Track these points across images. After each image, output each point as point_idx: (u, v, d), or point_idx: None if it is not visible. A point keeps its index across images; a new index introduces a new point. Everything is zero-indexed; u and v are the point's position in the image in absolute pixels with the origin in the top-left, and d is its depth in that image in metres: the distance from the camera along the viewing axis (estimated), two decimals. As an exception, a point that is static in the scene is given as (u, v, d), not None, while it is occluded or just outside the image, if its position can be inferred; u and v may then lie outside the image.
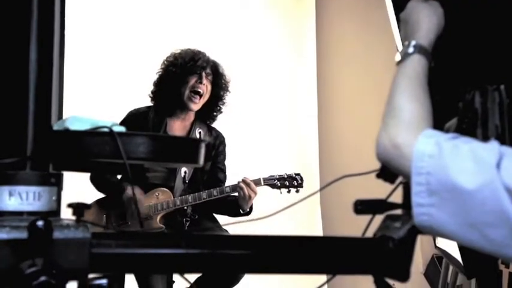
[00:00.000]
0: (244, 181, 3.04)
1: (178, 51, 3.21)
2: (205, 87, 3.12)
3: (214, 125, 3.33)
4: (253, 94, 4.49)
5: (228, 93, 3.24)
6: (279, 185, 3.20)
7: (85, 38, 4.09)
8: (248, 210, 3.12)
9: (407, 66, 1.14)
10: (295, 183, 3.22)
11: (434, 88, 1.13)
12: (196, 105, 3.12)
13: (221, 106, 3.24)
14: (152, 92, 3.21)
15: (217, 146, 3.27)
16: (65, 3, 1.21)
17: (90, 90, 4.08)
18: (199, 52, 3.17)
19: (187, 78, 3.08)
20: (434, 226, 0.98)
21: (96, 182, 3.09)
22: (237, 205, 3.08)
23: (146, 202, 3.07)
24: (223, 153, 3.30)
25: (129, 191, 3.00)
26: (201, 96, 3.11)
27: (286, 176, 3.22)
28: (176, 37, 4.24)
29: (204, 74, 3.10)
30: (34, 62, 1.06)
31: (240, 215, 3.11)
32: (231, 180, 3.19)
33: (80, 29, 3.96)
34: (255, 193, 3.06)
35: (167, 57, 3.21)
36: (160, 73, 3.20)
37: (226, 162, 3.32)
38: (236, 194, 3.06)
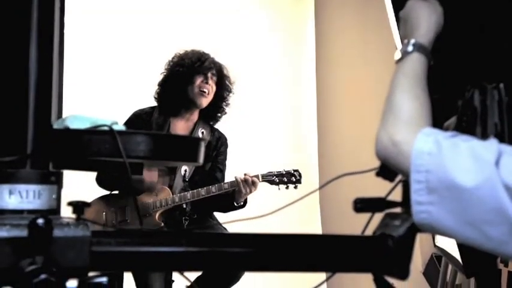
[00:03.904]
0: (244, 178, 3.05)
1: (183, 51, 3.24)
2: (211, 87, 3.18)
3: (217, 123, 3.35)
4: (252, 91, 4.50)
5: (231, 94, 3.27)
6: (277, 181, 3.20)
7: (85, 36, 4.10)
8: (242, 203, 3.13)
9: (406, 64, 1.15)
10: (294, 180, 3.23)
11: (433, 86, 1.13)
12: (206, 99, 3.16)
13: (224, 107, 3.27)
14: (157, 93, 3.23)
15: (218, 146, 3.29)
16: (64, 1, 1.21)
17: (90, 89, 4.09)
18: (204, 53, 3.22)
19: (193, 78, 3.13)
20: (433, 224, 0.98)
21: (99, 180, 3.12)
22: (231, 198, 3.09)
23: (145, 199, 3.09)
24: (223, 154, 3.31)
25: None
26: (206, 94, 3.16)
27: (284, 172, 3.23)
28: (175, 38, 4.24)
29: (210, 74, 3.16)
30: (34, 61, 1.06)
31: (233, 208, 3.13)
32: (230, 176, 3.20)
33: (80, 27, 3.97)
34: (255, 188, 3.08)
35: (172, 58, 3.24)
36: (165, 73, 3.23)
37: (226, 162, 3.33)
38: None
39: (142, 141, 1.10)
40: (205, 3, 4.58)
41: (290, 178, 3.22)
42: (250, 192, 3.08)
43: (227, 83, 3.25)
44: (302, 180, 3.24)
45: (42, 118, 1.06)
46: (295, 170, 3.25)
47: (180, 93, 3.15)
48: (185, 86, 3.14)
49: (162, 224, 3.08)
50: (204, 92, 3.14)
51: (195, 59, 3.15)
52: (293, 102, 4.94)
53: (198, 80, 3.13)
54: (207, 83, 3.14)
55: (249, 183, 3.05)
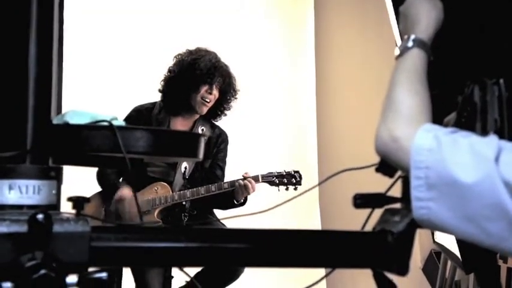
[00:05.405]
0: (243, 179, 3.05)
1: (196, 50, 3.20)
2: (213, 96, 3.17)
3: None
4: (252, 90, 4.48)
5: (234, 100, 3.26)
6: (277, 182, 3.18)
7: (86, 33, 4.09)
8: (242, 201, 3.13)
9: (406, 60, 1.14)
10: (294, 181, 3.21)
11: (433, 82, 1.13)
12: (207, 108, 3.17)
13: (226, 109, 3.26)
14: (162, 87, 3.22)
15: (219, 143, 3.28)
16: (64, -3, 1.21)
17: (89, 85, 4.09)
18: (218, 61, 3.18)
19: (199, 87, 3.12)
20: (433, 220, 0.98)
21: (98, 177, 3.13)
22: (231, 197, 3.10)
23: (145, 196, 3.08)
24: (224, 151, 3.30)
25: (120, 192, 3.01)
26: (208, 103, 3.16)
27: (284, 173, 3.20)
28: (174, 36, 4.24)
29: (215, 84, 3.14)
30: (34, 56, 1.06)
31: (233, 206, 3.12)
32: (229, 176, 3.20)
33: (81, 25, 3.97)
34: (254, 190, 3.07)
35: (183, 57, 3.20)
36: (174, 72, 3.19)
37: (226, 159, 3.32)
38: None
39: (142, 137, 1.10)
40: (204, 2, 4.57)
41: (290, 179, 3.20)
42: (249, 194, 3.08)
43: (232, 91, 3.24)
44: (301, 181, 3.23)
45: (41, 113, 1.06)
46: (295, 172, 3.23)
47: (182, 98, 3.15)
48: (189, 92, 3.13)
49: (161, 222, 3.08)
50: (207, 101, 3.14)
51: (208, 68, 3.11)
52: (292, 100, 4.93)
53: (203, 89, 3.12)
54: (210, 93, 3.13)
55: (248, 189, 3.04)
